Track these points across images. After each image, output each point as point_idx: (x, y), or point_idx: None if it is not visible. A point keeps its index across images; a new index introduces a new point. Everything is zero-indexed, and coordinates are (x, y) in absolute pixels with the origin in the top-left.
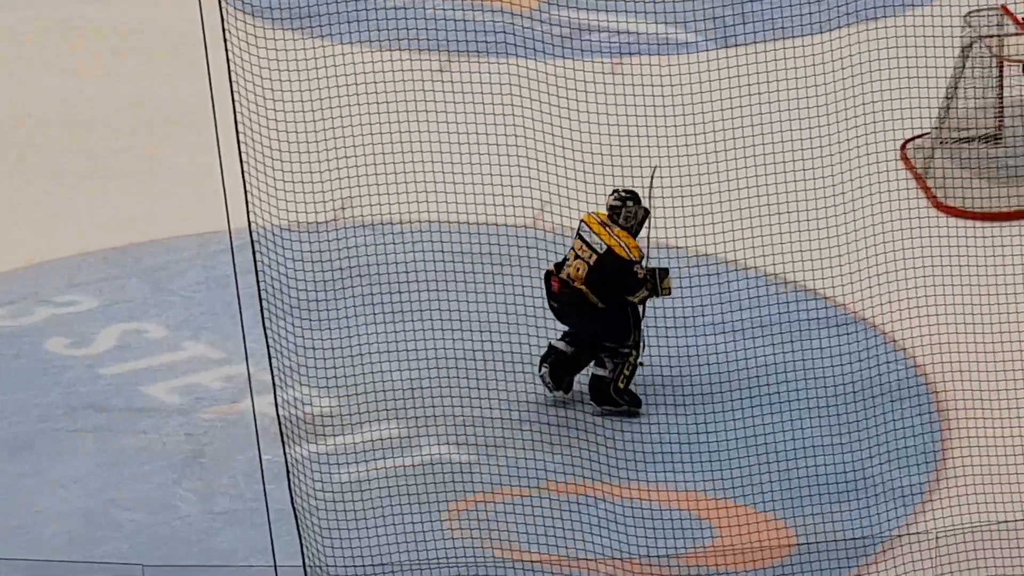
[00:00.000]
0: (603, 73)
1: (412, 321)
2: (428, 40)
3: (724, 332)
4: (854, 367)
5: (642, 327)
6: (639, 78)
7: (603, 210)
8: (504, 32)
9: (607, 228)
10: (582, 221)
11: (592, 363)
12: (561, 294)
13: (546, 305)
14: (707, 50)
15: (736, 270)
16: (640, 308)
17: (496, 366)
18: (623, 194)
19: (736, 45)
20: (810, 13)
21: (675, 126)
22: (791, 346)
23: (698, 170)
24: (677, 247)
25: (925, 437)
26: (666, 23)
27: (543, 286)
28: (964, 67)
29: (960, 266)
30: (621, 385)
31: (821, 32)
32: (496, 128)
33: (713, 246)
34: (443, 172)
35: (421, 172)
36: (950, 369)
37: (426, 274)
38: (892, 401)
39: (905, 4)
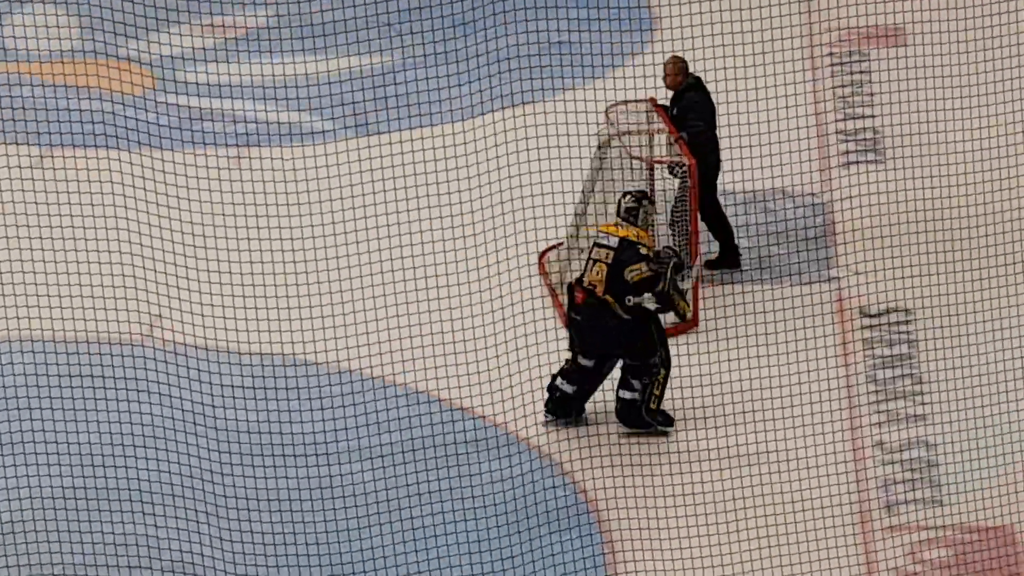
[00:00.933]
0: (221, 168)
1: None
2: (18, 132)
3: (369, 458)
4: (512, 493)
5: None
6: (261, 173)
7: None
8: (105, 123)
9: (621, 226)
10: (598, 231)
11: (618, 386)
12: (586, 306)
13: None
14: (344, 139)
15: (383, 387)
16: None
17: (102, 504)
18: (638, 195)
19: (373, 134)
20: (451, 99)
21: (302, 226)
22: (445, 472)
23: (339, 275)
24: (316, 363)
25: (589, 572)
26: (298, 111)
27: (566, 298)
28: (601, 167)
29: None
30: (653, 406)
31: (463, 119)
32: (98, 231)
33: (356, 360)
34: (36, 282)
35: (10, 283)
36: (614, 495)
37: (16, 400)
38: (553, 532)
39: (546, 88)
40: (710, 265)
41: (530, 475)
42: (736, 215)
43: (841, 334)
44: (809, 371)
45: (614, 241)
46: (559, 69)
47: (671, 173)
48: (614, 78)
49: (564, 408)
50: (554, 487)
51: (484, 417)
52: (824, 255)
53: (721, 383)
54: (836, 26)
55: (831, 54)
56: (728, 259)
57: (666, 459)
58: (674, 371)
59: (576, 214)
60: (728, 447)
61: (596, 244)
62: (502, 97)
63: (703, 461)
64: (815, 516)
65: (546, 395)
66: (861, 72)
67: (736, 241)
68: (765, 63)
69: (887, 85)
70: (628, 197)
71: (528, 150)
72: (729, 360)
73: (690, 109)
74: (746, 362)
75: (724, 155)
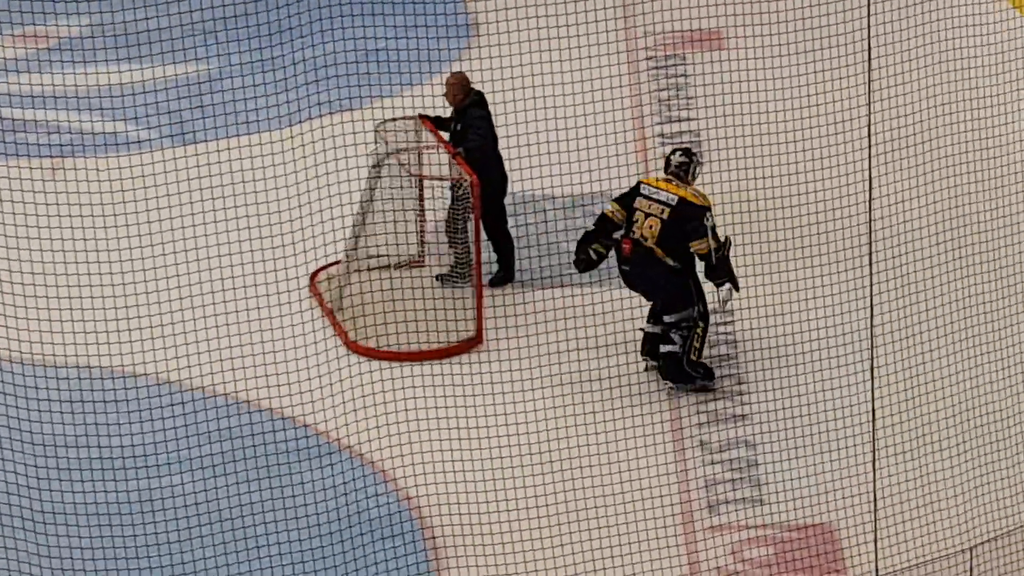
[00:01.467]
0: (36, 179)
1: None
2: None
3: (190, 469)
4: (336, 502)
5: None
6: (77, 183)
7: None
8: None
9: (673, 183)
10: (641, 183)
11: (661, 343)
12: (633, 254)
13: None
14: (161, 148)
15: (203, 398)
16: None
17: None
18: (686, 150)
19: (191, 143)
20: (268, 107)
21: (118, 237)
22: (267, 482)
23: (156, 286)
24: (135, 375)
25: None
26: (113, 120)
27: (615, 253)
28: (377, 185)
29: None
30: (694, 357)
31: (281, 128)
32: None
33: (177, 371)
34: None
35: None
36: (438, 501)
37: None
38: (377, 540)
39: (364, 96)
40: (493, 283)
41: (353, 483)
42: (555, 219)
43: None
44: (636, 372)
45: (671, 198)
46: (378, 76)
47: (454, 189)
48: (432, 85)
49: (680, 371)
50: (377, 495)
51: (308, 426)
52: None
53: (553, 384)
54: (655, 31)
55: (650, 58)
56: (506, 275)
57: (488, 464)
58: (505, 375)
59: (354, 226)
60: (551, 450)
61: (644, 197)
62: (320, 105)
63: (525, 466)
64: (639, 517)
65: (648, 360)
66: (680, 76)
67: (515, 259)
68: (582, 68)
69: (706, 88)
70: (678, 153)
71: (347, 158)
72: (560, 362)
73: (472, 125)
74: (576, 364)
75: (534, 161)
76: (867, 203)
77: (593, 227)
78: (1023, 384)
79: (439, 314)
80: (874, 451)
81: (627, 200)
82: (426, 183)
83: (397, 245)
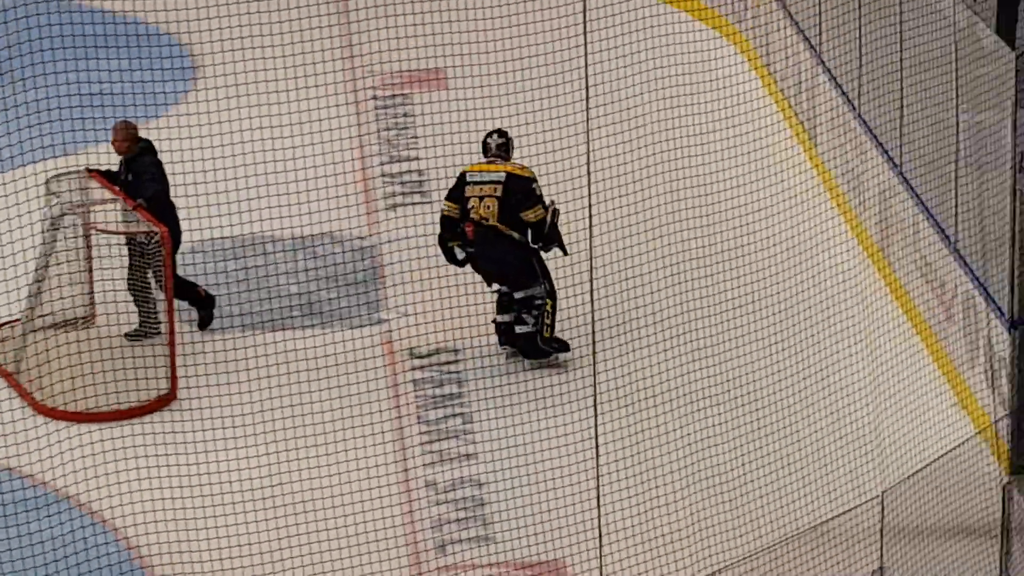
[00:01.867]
0: None
1: None
2: None
3: None
4: (55, 553)
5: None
6: None
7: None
8: None
9: (495, 161)
10: (465, 172)
11: (515, 325)
12: (476, 235)
13: None
14: None
15: None
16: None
17: None
18: (501, 131)
19: None
20: None
21: None
22: None
23: None
24: None
25: None
26: None
27: (463, 239)
28: (55, 241)
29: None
30: (547, 334)
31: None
32: None
33: None
34: None
35: None
36: (159, 549)
37: None
38: None
39: (79, 141)
40: (202, 326)
41: (72, 533)
42: (276, 263)
43: (391, 376)
44: (361, 415)
45: (499, 175)
46: (97, 121)
47: (147, 241)
48: (158, 128)
49: (536, 348)
50: (97, 544)
51: (29, 476)
52: (373, 298)
53: (276, 428)
54: (378, 71)
55: (375, 97)
56: (207, 314)
57: (212, 511)
58: (227, 420)
59: (34, 283)
60: (274, 496)
61: (472, 183)
62: (33, 151)
63: (249, 512)
64: (367, 560)
65: (506, 348)
66: (404, 115)
67: (202, 293)
68: (303, 109)
69: (429, 128)
70: (495, 135)
71: (30, 212)
72: (283, 406)
73: (145, 172)
74: (298, 409)
75: (254, 204)
76: (588, 240)
77: (441, 230)
78: (744, 415)
79: (131, 371)
80: (598, 486)
81: (457, 193)
82: (95, 238)
83: (71, 302)
